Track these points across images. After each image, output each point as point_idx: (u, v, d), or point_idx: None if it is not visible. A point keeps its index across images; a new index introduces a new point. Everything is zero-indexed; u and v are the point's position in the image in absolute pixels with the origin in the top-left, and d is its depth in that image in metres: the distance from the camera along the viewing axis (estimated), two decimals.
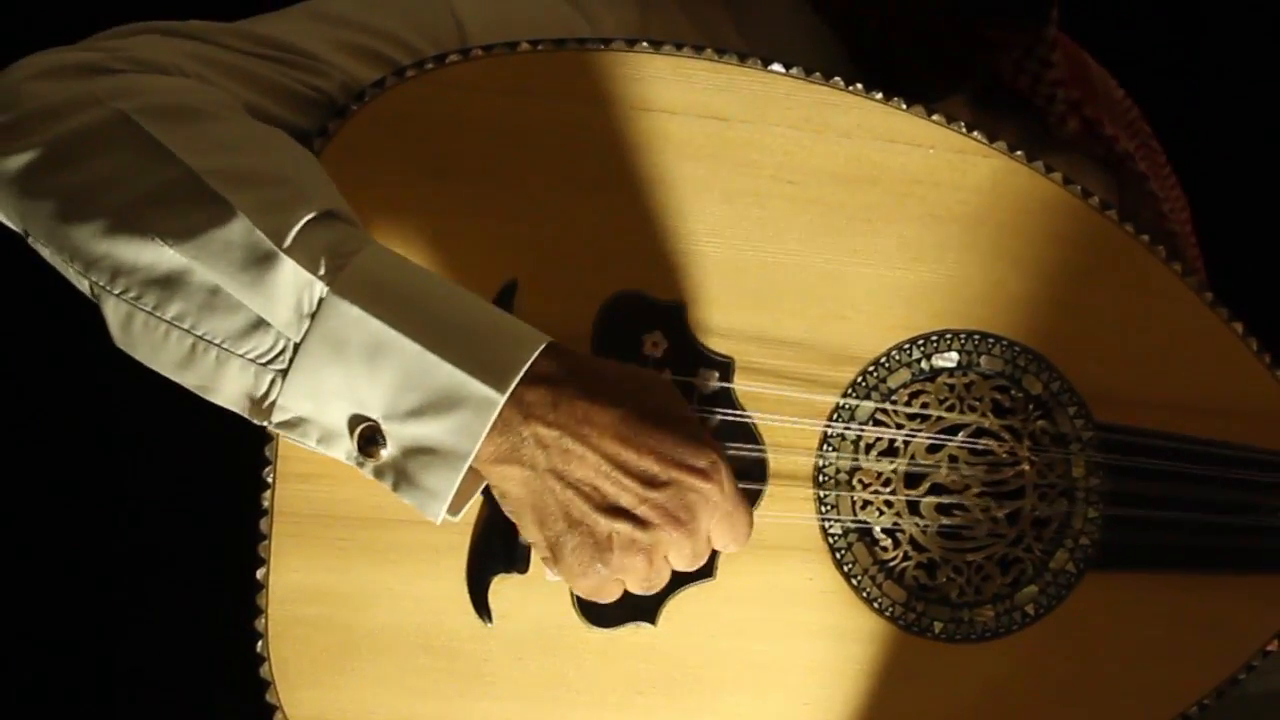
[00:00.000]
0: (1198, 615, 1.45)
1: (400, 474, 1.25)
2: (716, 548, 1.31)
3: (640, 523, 1.26)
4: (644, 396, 1.28)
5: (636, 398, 1.27)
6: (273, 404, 1.25)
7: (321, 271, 1.22)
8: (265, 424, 1.27)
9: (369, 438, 1.24)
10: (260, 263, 1.22)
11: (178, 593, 2.13)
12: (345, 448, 1.25)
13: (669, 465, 1.26)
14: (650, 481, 1.25)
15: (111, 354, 1.29)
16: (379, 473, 1.25)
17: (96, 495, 2.16)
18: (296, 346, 1.23)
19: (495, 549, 1.36)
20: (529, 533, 1.28)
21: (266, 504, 1.34)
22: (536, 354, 1.24)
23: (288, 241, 1.22)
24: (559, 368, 1.25)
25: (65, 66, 1.32)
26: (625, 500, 1.25)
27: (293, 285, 1.22)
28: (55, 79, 1.31)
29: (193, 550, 1.94)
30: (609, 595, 1.30)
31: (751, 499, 1.39)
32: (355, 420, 1.24)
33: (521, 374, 1.23)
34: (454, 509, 1.27)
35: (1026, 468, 1.44)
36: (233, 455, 1.36)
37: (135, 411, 1.91)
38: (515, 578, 1.36)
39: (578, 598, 1.37)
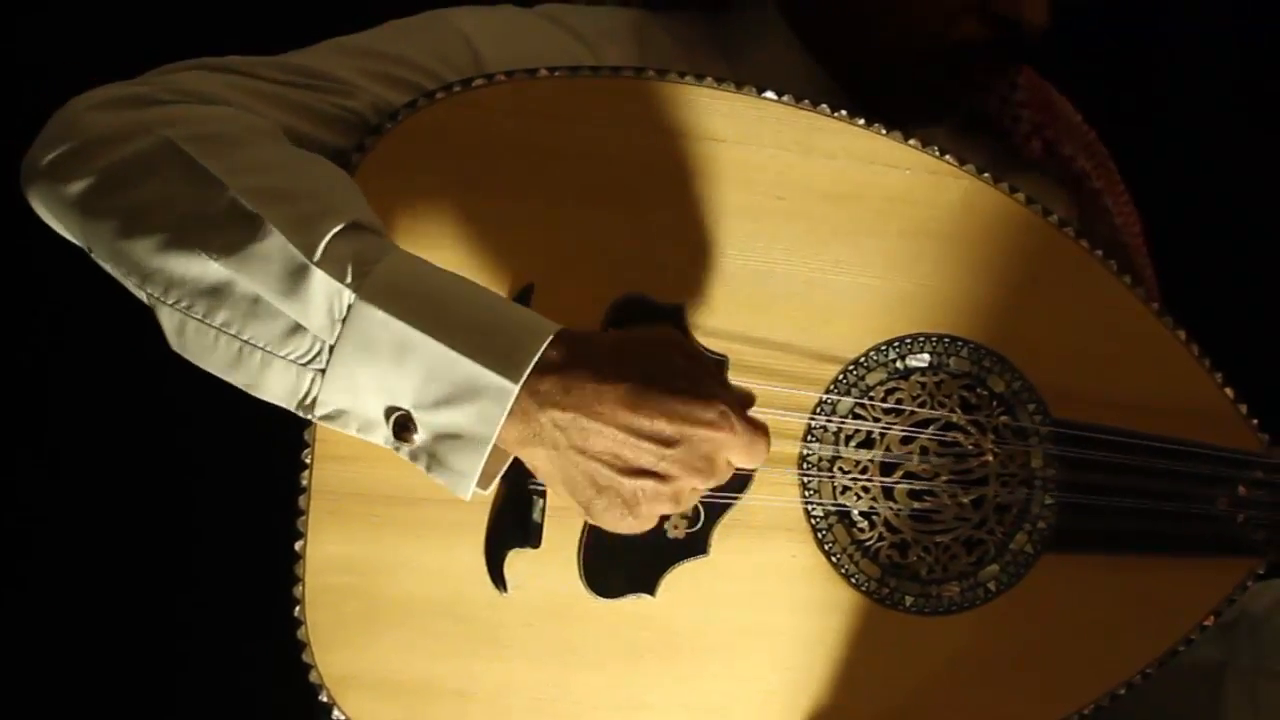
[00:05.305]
0: (1143, 593, 1.52)
1: (431, 457, 1.33)
2: (738, 468, 1.37)
3: (662, 477, 1.33)
4: (650, 362, 1.34)
5: (643, 366, 1.33)
6: (314, 400, 1.33)
7: (349, 279, 1.30)
8: (309, 417, 1.35)
9: (402, 424, 1.32)
10: (295, 275, 1.30)
11: (223, 563, 2.18)
12: (383, 434, 1.33)
13: (680, 423, 1.32)
14: (666, 441, 1.32)
15: (166, 358, 1.37)
16: (413, 456, 1.33)
17: (152, 483, 2.23)
18: (331, 348, 1.31)
19: (511, 526, 1.43)
20: (562, 498, 1.35)
21: (305, 483, 1.41)
22: (545, 344, 1.31)
23: (318, 254, 1.30)
24: (568, 353, 1.32)
25: (120, 99, 1.41)
26: (646, 461, 1.32)
27: (324, 294, 1.30)
28: (111, 110, 1.40)
29: (237, 526, 1.97)
30: (643, 530, 1.36)
31: (742, 484, 1.46)
32: (390, 410, 1.32)
33: (533, 363, 1.30)
34: (483, 484, 1.34)
35: (990, 458, 1.51)
36: (274, 438, 1.43)
37: (186, 404, 1.93)
38: (529, 552, 1.44)
39: (584, 572, 1.44)
